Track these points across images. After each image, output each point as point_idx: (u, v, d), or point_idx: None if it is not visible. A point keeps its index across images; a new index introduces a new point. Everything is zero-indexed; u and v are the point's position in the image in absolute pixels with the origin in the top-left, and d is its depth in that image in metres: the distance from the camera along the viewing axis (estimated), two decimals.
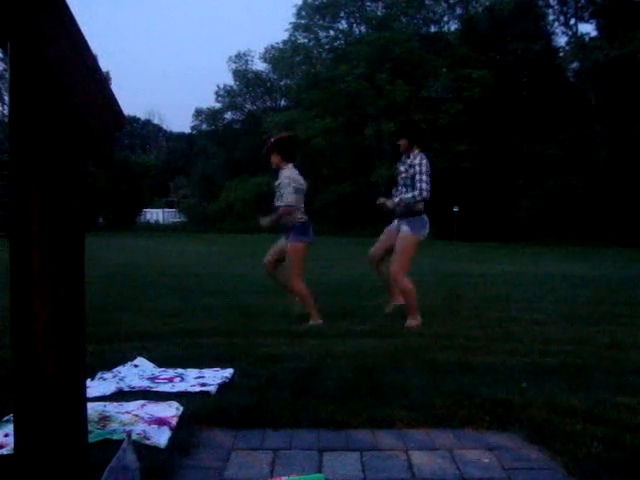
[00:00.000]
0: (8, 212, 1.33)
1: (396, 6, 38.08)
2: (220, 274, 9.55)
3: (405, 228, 4.79)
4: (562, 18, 35.41)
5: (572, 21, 34.89)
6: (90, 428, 1.94)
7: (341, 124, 35.83)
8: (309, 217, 4.85)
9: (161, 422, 2.28)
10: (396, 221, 4.94)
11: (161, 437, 2.15)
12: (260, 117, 42.72)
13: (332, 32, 41.65)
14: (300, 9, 40.38)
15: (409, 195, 4.77)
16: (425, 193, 4.76)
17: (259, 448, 2.14)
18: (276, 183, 4.89)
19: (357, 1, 39.75)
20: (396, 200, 4.85)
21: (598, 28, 34.19)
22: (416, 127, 5.28)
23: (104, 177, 32.02)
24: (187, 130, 54.71)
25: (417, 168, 4.76)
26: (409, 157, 4.86)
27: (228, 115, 48.86)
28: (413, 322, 4.70)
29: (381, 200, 4.99)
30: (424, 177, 4.76)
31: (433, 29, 40.20)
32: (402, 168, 4.91)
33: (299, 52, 40.71)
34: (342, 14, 40.94)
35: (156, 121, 63.46)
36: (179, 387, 2.84)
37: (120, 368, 3.17)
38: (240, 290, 7.21)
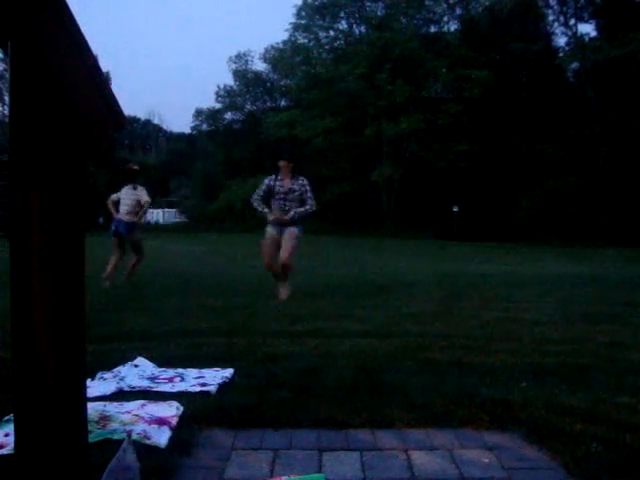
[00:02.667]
0: (8, 212, 1.33)
1: (396, 6, 38.05)
2: (220, 274, 9.55)
3: (296, 230, 6.27)
4: (562, 18, 35.43)
5: (572, 21, 34.92)
6: (90, 428, 1.94)
7: (341, 124, 35.85)
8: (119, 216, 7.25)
9: (161, 422, 2.28)
10: (274, 228, 6.29)
11: (161, 437, 2.15)
12: (260, 117, 42.74)
13: (332, 32, 41.64)
14: (300, 9, 40.36)
15: (305, 208, 6.26)
16: (316, 206, 6.39)
17: (259, 448, 2.14)
18: None
19: (357, 1, 39.73)
20: (292, 214, 6.20)
21: (598, 28, 34.22)
22: (298, 156, 7.36)
23: (104, 177, 31.99)
24: (187, 130, 54.76)
25: (307, 187, 6.30)
26: (294, 179, 6.28)
27: (228, 115, 48.87)
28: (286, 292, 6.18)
29: (278, 215, 6.26)
30: (313, 194, 6.34)
31: (433, 29, 40.21)
32: (288, 188, 6.25)
33: (299, 52, 40.67)
34: (342, 14, 40.92)
35: (156, 121, 63.49)
36: (179, 387, 2.84)
37: (120, 368, 3.17)
38: (240, 290, 7.21)
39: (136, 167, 7.66)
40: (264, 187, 6.35)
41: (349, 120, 36.18)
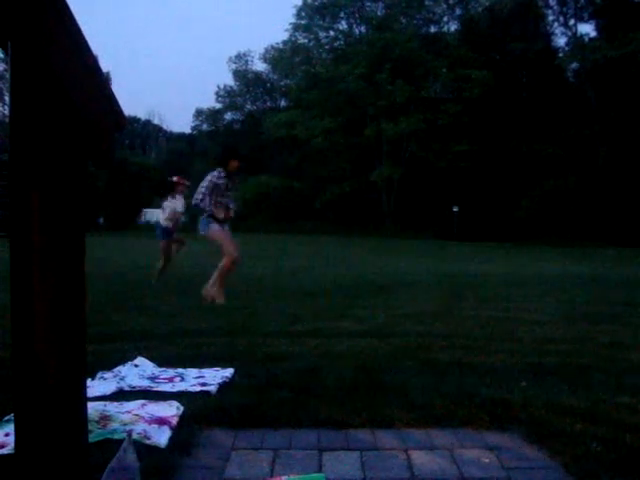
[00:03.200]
0: (8, 212, 1.33)
1: (396, 6, 38.10)
2: None
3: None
4: (562, 18, 35.50)
5: (572, 21, 34.98)
6: (90, 428, 1.94)
7: (341, 124, 35.87)
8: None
9: (161, 422, 2.28)
10: (221, 226, 6.13)
11: (161, 437, 2.15)
12: (260, 117, 42.76)
13: (332, 32, 41.71)
14: (300, 9, 40.42)
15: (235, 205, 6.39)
16: None
17: (259, 448, 2.14)
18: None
19: (357, 1, 39.75)
20: (232, 213, 6.24)
21: (598, 28, 34.26)
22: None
23: (104, 177, 32.06)
24: (187, 130, 54.77)
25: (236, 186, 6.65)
26: (234, 176, 6.26)
27: (228, 115, 48.96)
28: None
29: (227, 213, 6.19)
30: None
31: (433, 29, 40.27)
32: (232, 185, 6.24)
33: (299, 52, 40.71)
34: (342, 14, 40.97)
35: (156, 121, 63.45)
36: (179, 387, 2.84)
37: (120, 368, 3.17)
38: (240, 290, 7.21)
39: (175, 179, 8.57)
40: (211, 185, 5.95)
41: (349, 120, 36.21)
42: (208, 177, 6.00)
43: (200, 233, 6.18)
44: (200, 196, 5.94)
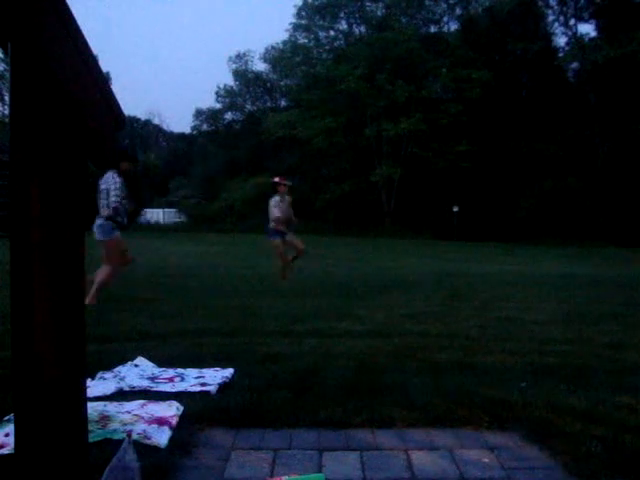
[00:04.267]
0: (8, 212, 1.33)
1: (396, 6, 38.05)
2: (220, 274, 9.55)
3: None
4: (562, 18, 35.42)
5: (572, 21, 34.91)
6: (90, 428, 1.94)
7: (341, 124, 35.82)
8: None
9: (161, 422, 2.28)
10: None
11: (161, 437, 2.15)
12: (260, 117, 42.73)
13: (332, 32, 41.65)
14: (300, 9, 40.36)
15: None
16: None
17: (259, 448, 2.15)
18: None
19: (357, 1, 39.71)
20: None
21: (598, 28, 34.20)
22: None
23: None
24: (187, 130, 54.64)
25: None
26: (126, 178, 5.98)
27: (228, 115, 48.89)
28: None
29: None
30: None
31: (433, 29, 40.20)
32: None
33: (299, 52, 40.66)
34: (342, 14, 40.92)
35: (156, 121, 63.18)
36: (179, 387, 2.84)
37: (120, 368, 3.17)
38: (240, 290, 7.21)
39: (276, 180, 8.64)
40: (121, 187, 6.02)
41: (349, 120, 36.15)
42: (111, 180, 5.78)
43: (97, 237, 5.91)
44: (119, 199, 5.80)
